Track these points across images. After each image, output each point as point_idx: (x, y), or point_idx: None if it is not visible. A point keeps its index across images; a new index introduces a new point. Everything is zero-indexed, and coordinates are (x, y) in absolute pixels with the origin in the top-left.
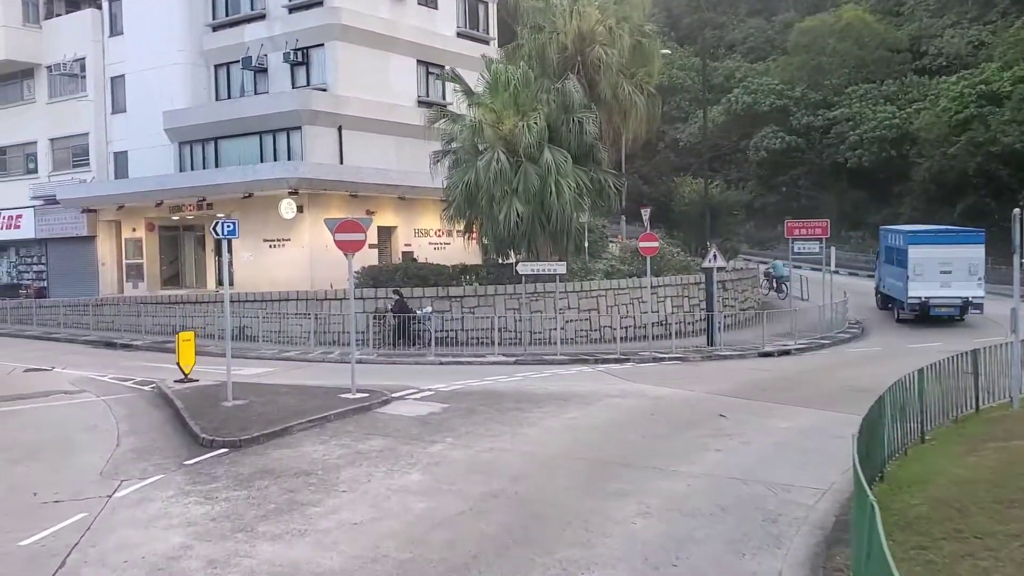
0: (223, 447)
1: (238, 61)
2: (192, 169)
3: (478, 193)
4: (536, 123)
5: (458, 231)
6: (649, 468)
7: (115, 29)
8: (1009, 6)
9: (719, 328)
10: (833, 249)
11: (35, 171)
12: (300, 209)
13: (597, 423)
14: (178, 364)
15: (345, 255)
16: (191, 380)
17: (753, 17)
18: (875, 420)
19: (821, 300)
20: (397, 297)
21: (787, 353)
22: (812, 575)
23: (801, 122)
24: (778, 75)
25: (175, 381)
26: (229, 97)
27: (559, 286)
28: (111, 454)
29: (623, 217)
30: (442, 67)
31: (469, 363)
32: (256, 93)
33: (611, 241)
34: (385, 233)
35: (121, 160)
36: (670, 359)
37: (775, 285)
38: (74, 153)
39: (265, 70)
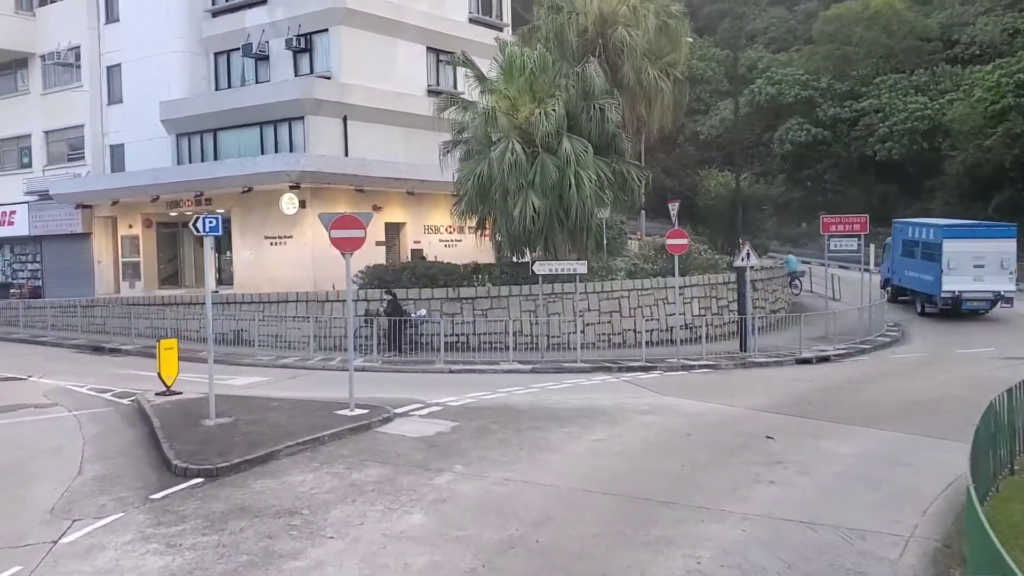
0: (198, 476)
1: (238, 48)
2: (190, 162)
3: (491, 186)
4: (554, 110)
5: (470, 228)
6: (694, 507)
7: (111, 16)
8: None
9: (753, 332)
10: (872, 247)
11: (29, 165)
12: (302, 204)
13: (628, 447)
14: (159, 375)
15: (343, 254)
16: (174, 393)
17: (774, 6)
18: (982, 452)
19: (859, 301)
20: (390, 298)
21: (826, 360)
22: None
23: (827, 114)
24: (802, 65)
25: (156, 394)
26: (229, 87)
27: (579, 287)
28: (69, 484)
29: (642, 212)
30: (453, 54)
31: (482, 371)
32: (257, 82)
33: (630, 238)
34: (393, 230)
35: (117, 153)
36: (700, 367)
37: (788, 281)
38: (69, 146)
39: (266, 57)
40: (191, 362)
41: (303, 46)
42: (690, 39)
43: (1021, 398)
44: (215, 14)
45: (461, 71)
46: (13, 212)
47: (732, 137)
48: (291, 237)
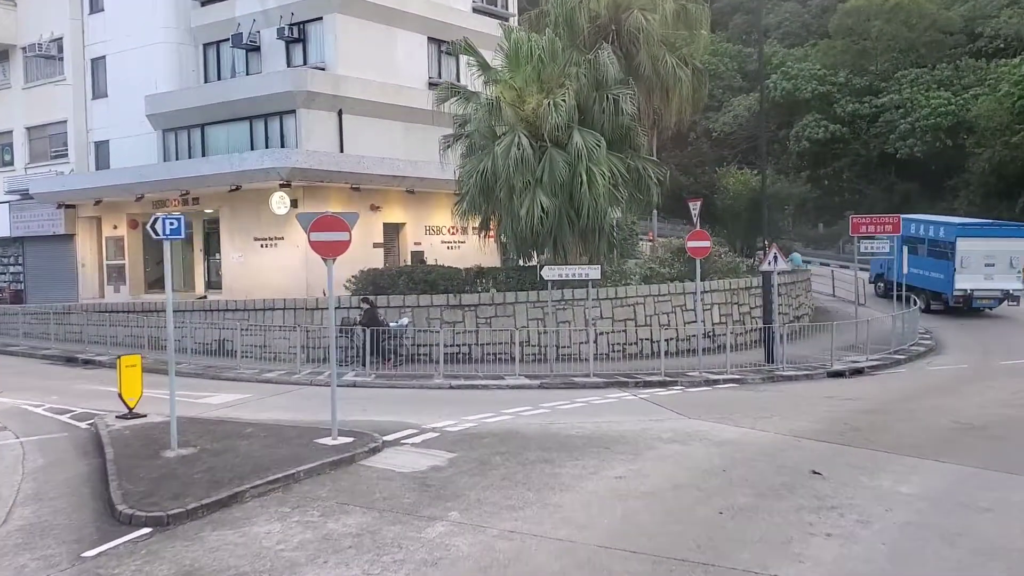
0: (145, 525)
1: (228, 39)
2: (177, 159)
3: (495, 184)
4: (564, 101)
5: (473, 228)
6: (739, 572)
7: (95, 5)
8: None
9: (780, 342)
10: (906, 249)
11: (11, 163)
12: (294, 204)
13: (654, 487)
14: (120, 396)
15: (324, 260)
16: (137, 416)
17: (788, 1)
18: None
19: (892, 308)
20: (366, 306)
21: (860, 372)
22: None
23: (846, 110)
24: (819, 60)
25: (117, 417)
26: (220, 79)
27: (591, 293)
28: None
29: (654, 212)
30: (455, 43)
31: (484, 387)
32: (248, 74)
33: (641, 238)
34: (392, 231)
35: (103, 150)
36: (724, 382)
37: None
38: (52, 143)
39: (258, 48)
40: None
41: (296, 36)
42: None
43: None
44: (204, 3)
45: (464, 63)
46: None
47: (746, 134)
48: (282, 239)
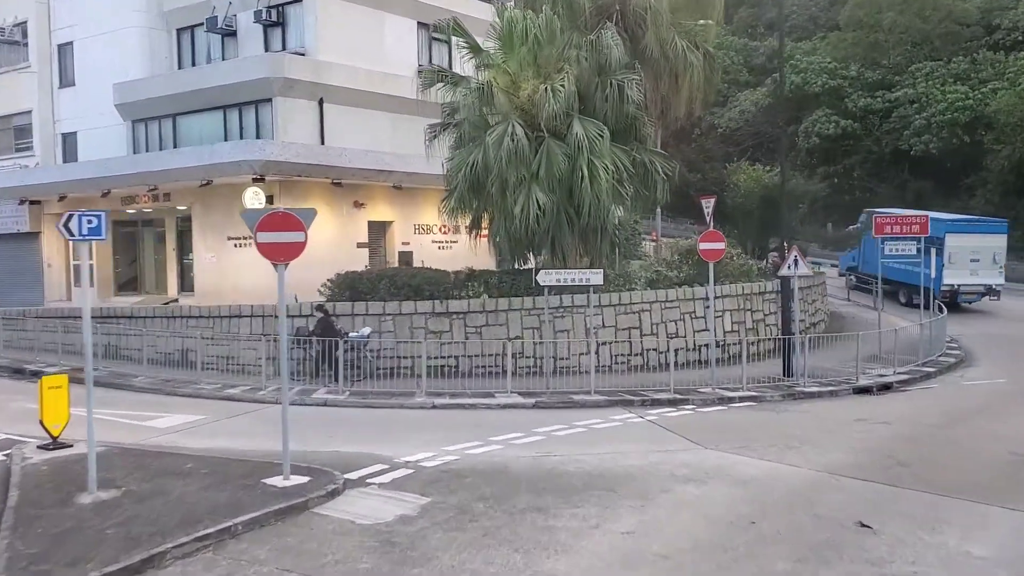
0: None
1: (203, 23)
2: (148, 151)
3: (487, 178)
4: (563, 86)
5: (464, 227)
6: None
7: None
8: None
9: (801, 354)
10: (933, 251)
11: None
12: (270, 200)
13: (668, 546)
14: (41, 423)
15: (275, 266)
16: (61, 445)
17: None
18: None
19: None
20: (321, 315)
21: (888, 388)
22: None
23: (857, 104)
24: (829, 53)
25: (39, 447)
26: (194, 67)
27: (592, 299)
28: None
29: (658, 210)
30: (457, 36)
31: (472, 406)
32: (225, 61)
33: (644, 238)
34: (378, 229)
35: (70, 142)
36: (740, 400)
37: None
38: (16, 135)
39: (234, 33)
40: (119, 391)
41: (274, 19)
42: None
43: None
44: None
45: (457, 48)
46: None
47: (753, 130)
48: None
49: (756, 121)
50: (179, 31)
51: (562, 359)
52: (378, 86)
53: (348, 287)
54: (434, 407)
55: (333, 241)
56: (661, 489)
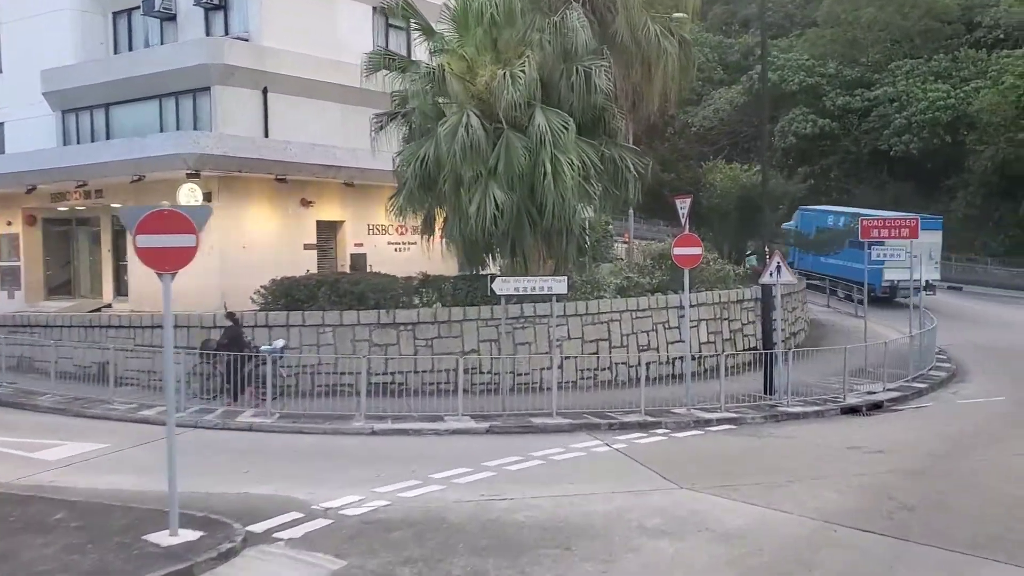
0: None
1: (139, 6)
2: (79, 143)
3: (439, 174)
4: (523, 72)
5: (413, 227)
6: None
7: None
8: None
9: (784, 368)
10: (921, 256)
11: None
12: (208, 197)
13: None
14: None
15: (159, 275)
16: None
17: None
18: None
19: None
20: (230, 323)
21: (878, 407)
22: None
23: (835, 103)
24: (807, 50)
25: None
26: (129, 52)
27: (556, 308)
28: None
29: (631, 210)
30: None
31: (417, 432)
32: (161, 46)
33: (616, 240)
34: (328, 230)
35: None
36: (718, 422)
37: None
38: None
39: (173, 17)
40: (20, 412)
41: (216, 2)
42: (682, 15)
43: None
44: None
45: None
46: None
47: (728, 129)
48: None
49: (731, 120)
50: (115, 14)
51: (523, 375)
52: (329, 75)
53: (284, 294)
54: (373, 433)
55: (277, 243)
56: (628, 547)
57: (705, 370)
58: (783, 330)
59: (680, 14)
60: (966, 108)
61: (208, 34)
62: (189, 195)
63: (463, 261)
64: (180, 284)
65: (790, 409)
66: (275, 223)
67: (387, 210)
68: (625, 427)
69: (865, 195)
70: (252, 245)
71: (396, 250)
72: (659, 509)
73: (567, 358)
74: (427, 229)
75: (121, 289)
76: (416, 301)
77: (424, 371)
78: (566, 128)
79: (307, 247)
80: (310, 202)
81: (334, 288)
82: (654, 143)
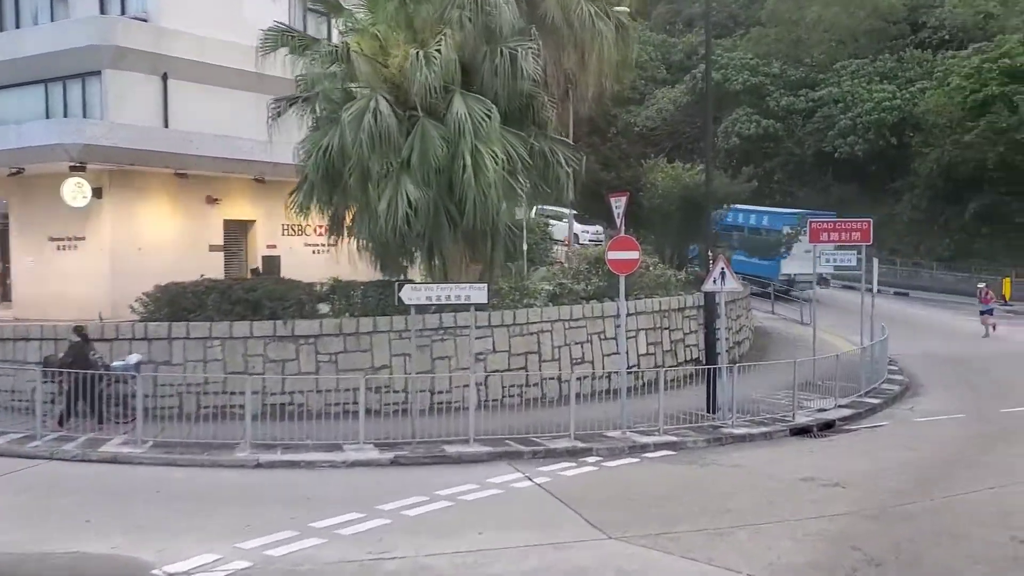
0: None
1: None
2: None
3: (344, 167)
4: (439, 52)
5: (318, 226)
6: None
7: None
8: None
9: (728, 383)
10: (876, 261)
11: None
12: (98, 193)
13: None
14: None
15: None
16: None
17: None
18: None
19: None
20: (77, 338)
21: (830, 426)
22: None
23: (780, 103)
24: (751, 49)
25: None
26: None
27: (480, 317)
28: None
29: (570, 211)
30: None
31: (310, 464)
32: (45, 24)
33: (555, 244)
34: (236, 230)
35: None
36: (656, 447)
37: None
38: None
39: None
40: None
41: None
42: (624, 8)
43: None
44: None
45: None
46: None
47: (671, 129)
48: (83, 239)
49: (675, 120)
50: None
51: (441, 392)
52: (238, 61)
53: (168, 303)
54: (259, 465)
55: (179, 244)
56: None
57: (643, 384)
58: (727, 339)
59: (622, 7)
60: (912, 109)
61: (102, 12)
62: (76, 190)
63: (374, 265)
64: (74, 289)
65: (735, 431)
66: (176, 222)
67: (286, 207)
68: (552, 455)
69: (809, 198)
70: (149, 247)
71: (314, 252)
72: (581, 570)
73: (492, 373)
74: (335, 229)
75: (5, 295)
76: (324, 310)
77: (327, 390)
78: (489, 116)
79: (212, 248)
80: (216, 199)
81: (225, 295)
82: (595, 142)
